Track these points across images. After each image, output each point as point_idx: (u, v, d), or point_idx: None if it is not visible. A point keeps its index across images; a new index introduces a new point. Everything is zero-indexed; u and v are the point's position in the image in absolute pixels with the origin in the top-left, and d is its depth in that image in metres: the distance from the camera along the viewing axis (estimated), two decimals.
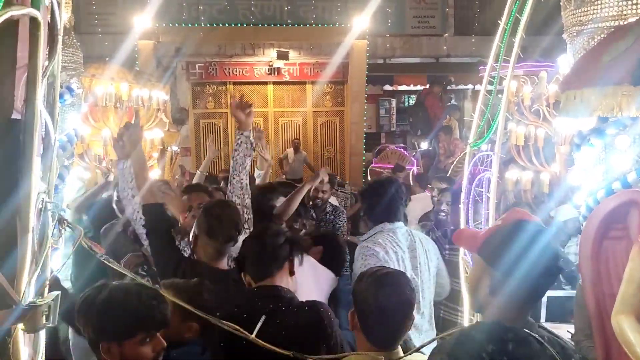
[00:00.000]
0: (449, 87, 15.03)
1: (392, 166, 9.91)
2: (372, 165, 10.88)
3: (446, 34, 14.86)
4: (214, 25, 13.27)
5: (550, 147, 5.61)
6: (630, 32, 1.97)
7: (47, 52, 1.83)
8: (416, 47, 14.96)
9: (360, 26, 12.81)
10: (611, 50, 1.95)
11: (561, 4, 3.56)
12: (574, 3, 3.52)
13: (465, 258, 3.74)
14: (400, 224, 3.55)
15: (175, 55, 13.45)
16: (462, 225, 3.81)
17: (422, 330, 3.45)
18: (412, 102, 16.87)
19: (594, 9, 3.24)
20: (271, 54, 14.20)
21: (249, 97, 14.83)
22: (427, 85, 13.82)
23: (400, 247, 3.46)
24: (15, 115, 1.73)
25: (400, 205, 3.56)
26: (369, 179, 10.27)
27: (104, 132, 6.18)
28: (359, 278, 2.35)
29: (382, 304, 2.19)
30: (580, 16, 3.34)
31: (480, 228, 3.69)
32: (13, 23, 1.67)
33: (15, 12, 1.64)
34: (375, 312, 2.19)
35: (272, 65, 14.26)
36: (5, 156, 1.69)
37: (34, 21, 1.71)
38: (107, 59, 7.83)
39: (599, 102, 1.92)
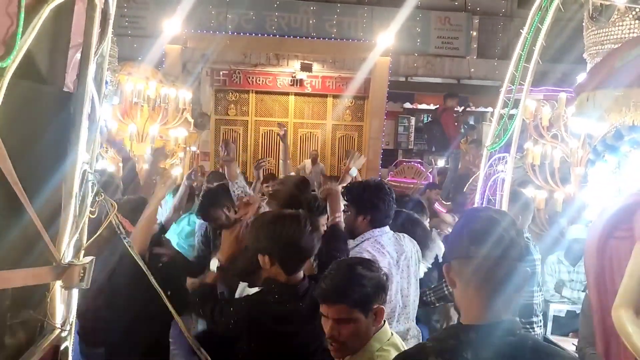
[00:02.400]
0: (468, 109, 15.12)
1: (409, 180, 9.99)
2: (388, 179, 10.98)
3: (469, 56, 14.99)
4: (240, 34, 13.53)
5: (566, 168, 5.69)
6: (638, 43, 2.08)
7: (99, 33, 1.98)
8: (438, 67, 15.10)
9: (384, 43, 12.99)
10: (623, 57, 2.06)
11: (583, 24, 3.68)
12: (596, 24, 3.64)
13: None
14: (386, 228, 3.41)
15: (200, 61, 13.71)
16: None
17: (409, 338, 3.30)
18: (431, 120, 16.97)
19: (614, 30, 3.35)
20: (295, 65, 14.43)
21: (270, 106, 15.07)
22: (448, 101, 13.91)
23: (389, 253, 3.34)
24: (67, 89, 1.87)
25: (389, 209, 3.39)
26: None
27: (130, 127, 6.36)
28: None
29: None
30: (601, 36, 3.46)
31: None
32: (70, 3, 1.82)
33: None
34: None
35: (295, 77, 14.49)
36: (57, 126, 1.83)
37: (91, 2, 1.86)
38: (138, 59, 8.05)
39: (610, 104, 2.03)
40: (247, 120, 14.92)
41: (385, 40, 12.96)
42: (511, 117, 3.70)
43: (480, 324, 1.56)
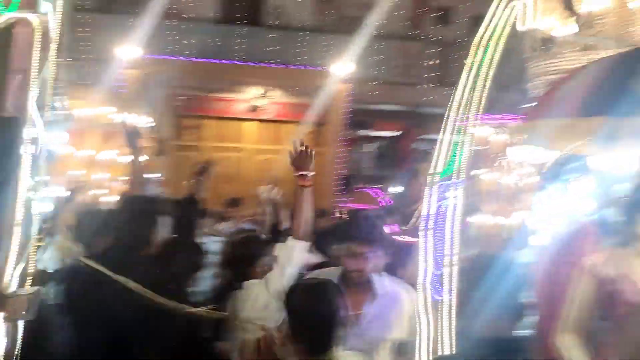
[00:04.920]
0: (425, 137, 15.36)
1: (365, 206, 10.01)
2: (345, 205, 10.99)
3: (427, 85, 15.28)
4: (200, 60, 13.50)
5: (516, 194, 5.82)
6: (579, 73, 2.17)
7: (40, 58, 1.95)
8: (397, 95, 15.33)
9: (342, 71, 13.14)
10: (564, 88, 2.14)
11: (527, 56, 3.81)
12: (540, 56, 3.77)
13: (423, 283, 3.84)
14: None
15: (158, 86, 13.60)
16: (422, 251, 3.89)
17: None
18: (389, 147, 17.15)
19: (556, 62, 3.48)
20: (253, 91, 14.44)
21: (228, 133, 15.01)
22: (405, 129, 14.18)
23: None
24: (7, 114, 1.84)
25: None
26: None
27: (83, 153, 6.26)
28: (290, 290, 2.43)
29: (313, 311, 2.26)
30: (545, 67, 3.59)
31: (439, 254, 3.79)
32: (10, 27, 1.79)
33: (13, 15, 1.77)
34: (307, 321, 2.25)
35: (252, 103, 14.49)
36: None
37: (30, 26, 1.84)
38: (89, 84, 7.93)
39: (554, 133, 2.10)
40: (203, 146, 14.82)
41: (343, 68, 13.12)
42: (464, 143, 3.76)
43: None
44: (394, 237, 7.44)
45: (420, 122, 14.95)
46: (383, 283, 3.15)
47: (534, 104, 2.49)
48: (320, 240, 4.42)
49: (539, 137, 2.18)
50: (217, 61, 13.70)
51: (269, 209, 5.74)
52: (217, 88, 14.48)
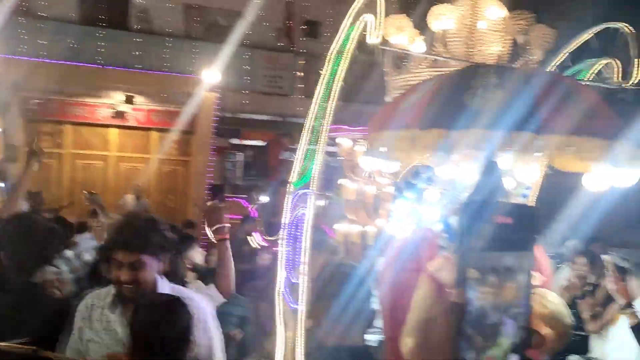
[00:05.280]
0: (293, 147, 15.57)
1: (233, 216, 9.95)
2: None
3: (294, 95, 15.50)
4: (57, 61, 12.71)
5: (377, 203, 6.03)
6: (421, 87, 2.28)
7: None
8: (265, 104, 15.41)
9: (211, 79, 12.98)
10: (406, 100, 2.24)
11: (385, 70, 3.96)
12: (396, 70, 3.94)
13: (281, 291, 3.86)
14: None
15: (10, 88, 12.61)
16: (281, 260, 3.93)
17: None
18: (258, 157, 17.18)
19: (411, 76, 3.65)
20: (117, 97, 13.83)
21: (89, 139, 14.26)
22: (274, 138, 14.27)
23: None
24: None
25: None
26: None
27: None
28: (135, 309, 2.32)
29: (160, 331, 2.17)
30: (400, 81, 3.75)
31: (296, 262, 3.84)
32: None
33: None
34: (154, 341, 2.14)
35: (116, 109, 13.86)
36: None
37: None
38: None
39: (395, 144, 2.18)
40: (63, 154, 13.94)
41: (212, 76, 12.96)
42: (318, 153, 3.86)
43: None
44: (261, 247, 7.45)
45: (289, 132, 15.14)
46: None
47: (377, 115, 2.58)
48: None
49: (382, 148, 2.26)
50: (76, 63, 12.96)
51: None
52: (77, 92, 13.68)
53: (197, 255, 4.35)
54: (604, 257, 4.39)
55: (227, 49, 12.69)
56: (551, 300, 2.14)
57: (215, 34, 14.66)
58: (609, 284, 4.15)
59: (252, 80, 15.18)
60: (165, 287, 2.68)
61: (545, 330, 2.10)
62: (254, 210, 9.75)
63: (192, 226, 9.12)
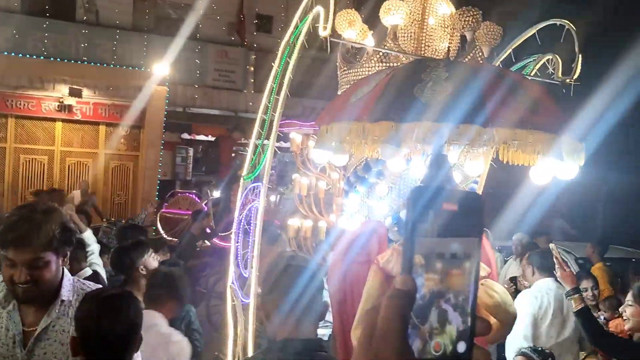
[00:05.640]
0: (244, 141, 15.48)
1: (183, 212, 9.83)
2: (162, 210, 10.69)
3: (246, 90, 15.38)
4: None
5: (329, 198, 6.05)
6: (372, 79, 2.29)
7: None
8: (217, 99, 15.25)
9: (160, 73, 12.77)
10: (357, 93, 2.25)
11: (337, 64, 3.96)
12: (347, 65, 3.94)
13: (232, 286, 3.85)
14: None
15: None
16: (232, 254, 3.91)
17: None
18: (209, 152, 17.00)
19: (362, 71, 3.66)
20: (63, 90, 13.44)
21: (34, 133, 13.82)
22: (225, 133, 14.12)
23: None
24: None
25: None
26: (159, 224, 10.06)
27: None
28: (82, 300, 2.24)
29: (103, 327, 2.10)
30: (352, 76, 3.75)
31: (247, 256, 3.84)
32: None
33: None
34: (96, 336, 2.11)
35: (62, 102, 13.48)
36: None
37: None
38: None
39: (344, 136, 2.19)
40: (5, 147, 13.46)
41: (161, 70, 12.76)
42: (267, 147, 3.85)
43: None
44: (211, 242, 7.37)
45: (241, 126, 15.03)
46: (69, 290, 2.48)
47: (327, 108, 2.58)
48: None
49: (331, 140, 2.26)
50: (19, 55, 12.53)
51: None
52: (21, 85, 13.23)
53: (152, 261, 4.15)
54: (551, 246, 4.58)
55: (178, 43, 12.52)
56: (497, 290, 2.19)
57: (166, 27, 14.44)
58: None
59: (203, 74, 15.00)
60: (68, 284, 2.44)
61: (492, 320, 2.15)
62: (207, 205, 9.66)
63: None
